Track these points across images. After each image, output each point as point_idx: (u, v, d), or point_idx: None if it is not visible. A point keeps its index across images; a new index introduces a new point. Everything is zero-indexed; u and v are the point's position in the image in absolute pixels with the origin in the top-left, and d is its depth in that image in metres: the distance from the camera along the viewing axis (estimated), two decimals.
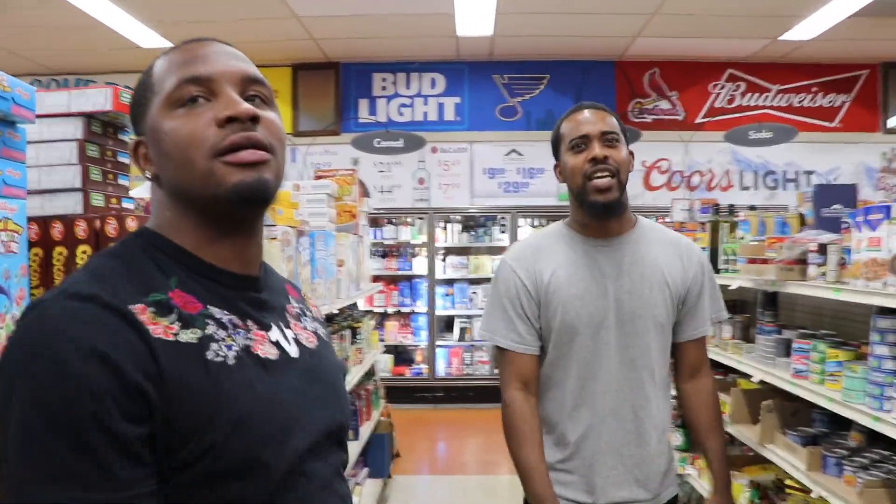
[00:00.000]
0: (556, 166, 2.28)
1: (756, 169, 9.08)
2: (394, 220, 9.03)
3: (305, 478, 1.08)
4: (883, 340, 2.35)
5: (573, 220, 2.27)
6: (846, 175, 9.05)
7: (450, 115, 9.08)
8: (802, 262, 2.84)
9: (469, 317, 8.93)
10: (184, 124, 1.06)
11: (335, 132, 9.02)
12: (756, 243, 3.24)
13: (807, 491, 2.93)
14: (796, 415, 3.15)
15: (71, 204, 1.70)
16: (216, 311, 1.06)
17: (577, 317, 2.16)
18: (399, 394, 8.26)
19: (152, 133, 1.09)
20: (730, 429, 3.40)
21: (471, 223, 9.08)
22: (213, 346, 1.02)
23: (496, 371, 8.82)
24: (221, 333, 1.05)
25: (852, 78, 9.05)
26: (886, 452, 2.75)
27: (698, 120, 9.04)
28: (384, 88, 9.08)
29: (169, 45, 6.46)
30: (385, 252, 9.01)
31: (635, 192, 8.93)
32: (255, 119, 1.08)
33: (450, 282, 8.96)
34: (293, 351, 1.15)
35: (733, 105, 9.05)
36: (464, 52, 8.72)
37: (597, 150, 2.10)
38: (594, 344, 2.16)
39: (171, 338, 0.99)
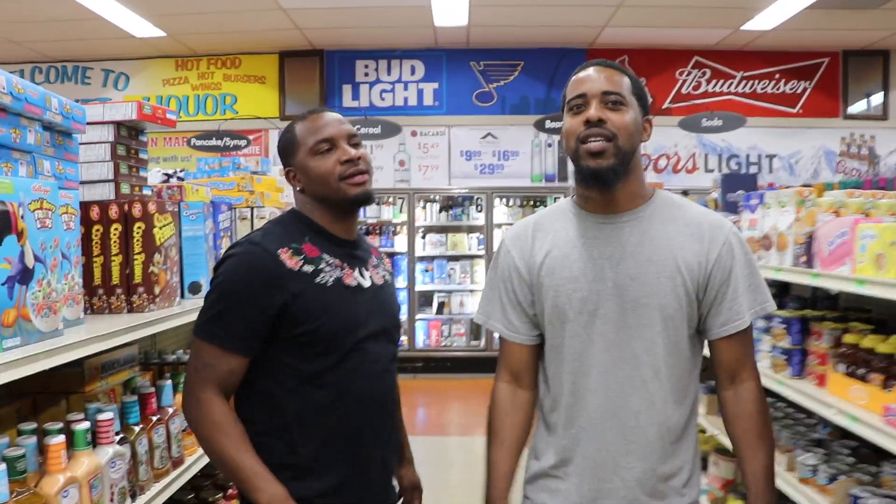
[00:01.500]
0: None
1: (720, 153, 9.58)
2: (377, 200, 9.49)
3: (363, 352, 1.92)
4: None
5: (578, 195, 1.98)
6: (807, 159, 9.57)
7: (429, 100, 9.56)
8: None
9: (447, 292, 9.43)
10: (323, 163, 1.93)
11: None
12: None
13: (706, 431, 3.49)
14: (707, 370, 3.68)
15: (105, 191, 2.20)
16: (327, 257, 1.93)
17: (568, 301, 1.88)
18: None
19: (302, 167, 1.95)
20: None
21: (449, 203, 9.55)
22: (322, 274, 1.90)
23: (473, 343, 9.41)
24: (327, 268, 1.91)
25: (814, 65, 9.54)
26: (769, 397, 3.28)
27: (665, 105, 9.52)
28: (366, 75, 9.54)
29: (162, 34, 6.99)
30: (368, 230, 9.48)
31: None
32: (358, 158, 1.95)
33: (429, 258, 9.45)
34: (366, 283, 1.99)
35: (699, 91, 9.53)
36: (441, 41, 9.18)
37: (592, 110, 1.82)
38: (586, 334, 1.87)
39: (297, 267, 1.86)
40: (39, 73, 9.60)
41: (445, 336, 9.28)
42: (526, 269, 1.96)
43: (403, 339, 9.27)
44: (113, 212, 2.14)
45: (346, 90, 9.53)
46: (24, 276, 1.59)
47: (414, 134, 9.47)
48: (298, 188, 1.99)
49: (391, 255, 9.40)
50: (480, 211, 9.31)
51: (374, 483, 2.00)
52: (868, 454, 2.55)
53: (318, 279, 1.89)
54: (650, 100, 1.91)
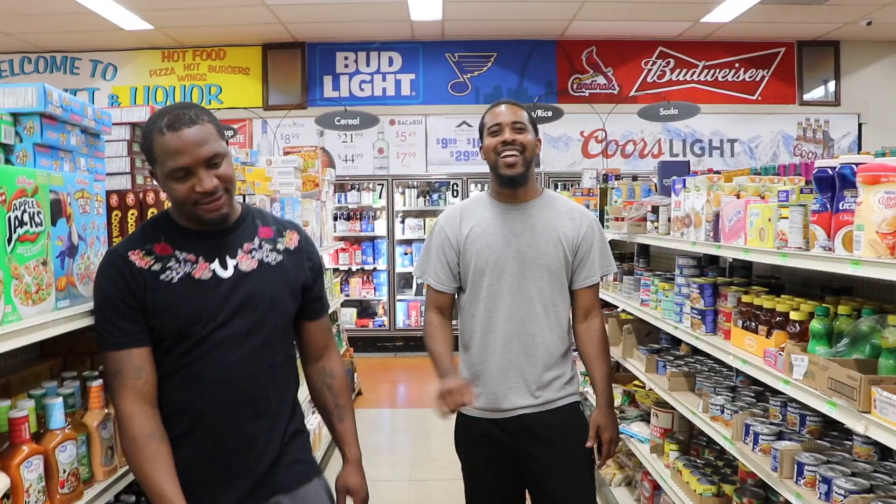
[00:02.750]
0: (480, 148, 2.83)
1: (685, 138, 10.07)
2: (357, 187, 9.90)
3: (213, 341, 1.99)
4: (681, 273, 3.35)
5: (492, 190, 2.85)
6: (766, 143, 10.09)
7: (406, 90, 10.00)
8: (645, 220, 3.83)
9: None
10: (179, 188, 1.95)
11: (302, 106, 9.91)
12: (618, 205, 4.24)
13: (645, 387, 3.96)
14: (649, 335, 4.16)
15: (123, 182, 2.63)
16: (179, 253, 2.01)
17: (486, 262, 2.73)
18: (363, 343, 9.28)
19: (161, 182, 1.99)
20: None
21: (426, 189, 9.98)
22: (167, 272, 1.98)
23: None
24: (175, 265, 1.99)
25: (771, 55, 10.04)
26: (699, 357, 3.77)
27: (632, 93, 9.99)
28: (346, 66, 9.97)
29: (150, 27, 7.47)
30: (349, 215, 9.89)
31: (574, 159, 9.92)
32: (212, 189, 1.96)
33: (408, 242, 9.89)
34: (226, 273, 2.03)
35: (664, 80, 10.00)
36: (418, 33, 9.61)
37: (507, 134, 2.66)
38: (498, 283, 2.73)
39: (147, 266, 1.97)
40: (29, 63, 9.92)
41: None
42: (455, 240, 2.81)
43: (385, 319, 9.73)
44: (130, 199, 2.56)
45: (327, 81, 9.94)
46: (72, 251, 2.02)
47: (392, 123, 9.90)
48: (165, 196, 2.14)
49: (371, 240, 9.82)
50: (457, 196, 9.74)
51: (228, 464, 2.04)
52: (765, 395, 3.04)
53: (163, 276, 1.97)
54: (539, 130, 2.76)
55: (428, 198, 9.89)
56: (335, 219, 9.23)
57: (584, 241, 2.80)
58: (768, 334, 2.60)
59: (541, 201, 2.82)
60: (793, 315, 2.51)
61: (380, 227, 9.82)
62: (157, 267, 1.98)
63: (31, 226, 1.80)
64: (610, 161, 9.87)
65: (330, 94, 9.90)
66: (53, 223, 1.92)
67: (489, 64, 9.91)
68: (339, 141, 9.90)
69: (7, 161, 1.98)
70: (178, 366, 2.01)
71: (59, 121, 2.07)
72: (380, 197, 9.84)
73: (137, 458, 1.92)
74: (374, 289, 9.91)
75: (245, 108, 9.80)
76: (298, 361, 2.39)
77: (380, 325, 9.77)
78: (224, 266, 2.04)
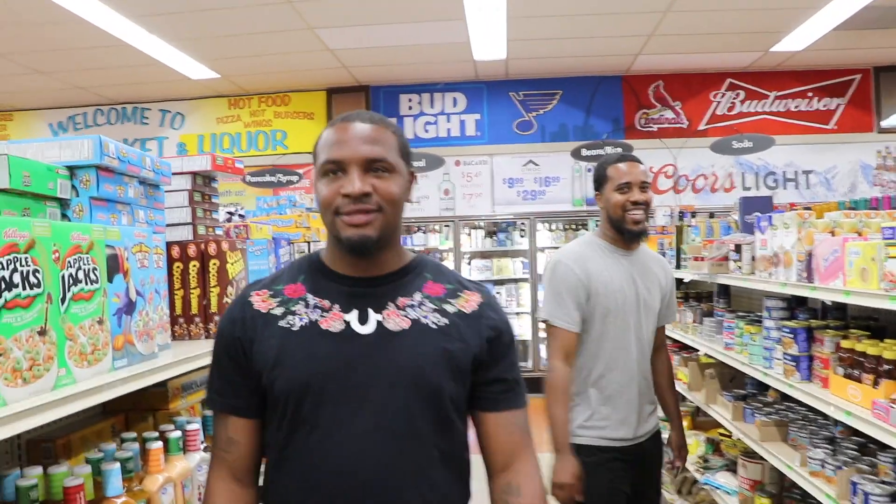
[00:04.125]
0: (597, 195, 3.06)
1: (757, 171, 9.75)
2: (423, 228, 9.84)
3: (334, 419, 1.52)
4: (769, 316, 3.13)
5: (605, 235, 3.04)
6: (843, 173, 9.70)
7: (471, 130, 9.93)
8: (727, 259, 3.62)
9: None
10: (325, 189, 1.59)
11: None
12: (696, 244, 4.03)
13: (732, 436, 3.71)
14: (733, 380, 3.93)
15: (185, 233, 2.56)
16: (311, 297, 1.60)
17: (615, 303, 2.92)
18: None
19: (313, 183, 1.67)
20: (687, 395, 4.18)
21: (493, 229, 9.86)
22: (290, 316, 1.58)
23: (521, 364, 9.62)
24: (302, 309, 1.58)
25: (846, 82, 9.70)
26: (790, 403, 3.52)
27: (701, 127, 9.74)
28: (410, 108, 9.96)
29: (216, 76, 7.62)
30: None
31: None
32: (363, 195, 1.53)
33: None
34: (364, 329, 1.55)
35: (734, 112, 9.73)
36: (482, 73, 9.55)
37: (636, 194, 2.92)
38: (625, 323, 2.95)
39: (266, 310, 1.60)
40: (101, 115, 10.18)
41: None
42: (586, 281, 2.90)
43: None
44: (192, 251, 2.48)
45: None
46: (129, 307, 1.94)
47: (458, 163, 9.83)
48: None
49: None
50: (524, 236, 9.60)
51: None
52: (870, 448, 2.78)
53: (282, 322, 1.58)
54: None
55: (495, 238, 9.75)
56: None
57: (668, 289, 3.14)
58: (875, 383, 2.38)
59: (641, 250, 3.10)
60: None
61: None
62: (278, 311, 1.59)
63: (87, 283, 1.71)
64: (680, 196, 9.60)
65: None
66: (110, 279, 1.83)
67: (554, 102, 9.79)
68: None
69: (63, 216, 1.91)
70: (285, 451, 1.57)
71: (117, 173, 2.00)
72: (446, 238, 9.74)
73: None
74: None
75: (311, 153, 9.82)
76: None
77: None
78: (363, 320, 1.56)
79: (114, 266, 1.86)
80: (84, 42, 7.47)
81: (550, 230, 9.72)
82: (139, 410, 2.58)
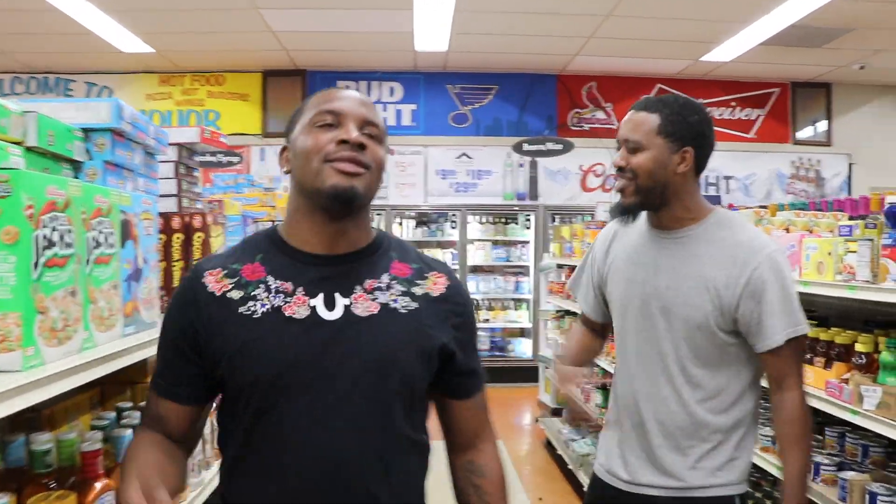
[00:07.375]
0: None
1: None
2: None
3: (300, 411, 1.44)
4: None
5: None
6: (761, 180, 10.16)
7: (407, 120, 10.00)
8: None
9: None
10: (313, 138, 1.47)
11: None
12: None
13: None
14: None
15: (170, 205, 2.55)
16: (272, 280, 1.48)
17: (620, 299, 2.22)
18: None
19: (294, 141, 1.52)
20: None
21: (424, 219, 9.95)
22: (251, 302, 1.46)
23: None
24: (263, 294, 1.46)
25: (766, 95, 10.17)
26: None
27: None
28: None
29: (151, 50, 7.31)
30: None
31: (572, 192, 9.94)
32: (360, 144, 1.45)
33: None
34: (330, 315, 1.45)
35: None
36: (420, 64, 9.62)
37: (618, 157, 2.12)
38: (620, 327, 2.23)
39: (220, 292, 1.48)
40: (20, 84, 9.75)
41: None
42: (600, 263, 2.34)
43: None
44: (175, 223, 2.47)
45: None
46: (136, 274, 1.95)
47: (392, 152, 9.85)
48: (285, 170, 1.56)
49: None
50: (455, 227, 9.71)
51: None
52: (818, 426, 3.02)
53: (242, 308, 1.46)
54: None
55: (426, 228, 9.85)
56: None
57: (749, 292, 2.01)
58: (826, 365, 2.58)
59: (700, 230, 2.11)
60: (859, 347, 2.50)
61: None
62: (235, 295, 1.47)
63: (106, 247, 1.73)
64: (609, 195, 9.88)
65: None
66: (122, 245, 1.85)
67: (490, 96, 9.94)
68: None
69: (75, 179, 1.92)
70: (247, 443, 1.48)
71: (128, 138, 2.01)
72: (378, 226, 9.72)
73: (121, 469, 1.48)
74: None
75: (243, 135, 9.73)
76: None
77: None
78: (330, 305, 1.47)
79: (126, 232, 1.87)
80: (6, 2, 7.10)
81: (481, 223, 9.86)
82: (116, 383, 2.56)
